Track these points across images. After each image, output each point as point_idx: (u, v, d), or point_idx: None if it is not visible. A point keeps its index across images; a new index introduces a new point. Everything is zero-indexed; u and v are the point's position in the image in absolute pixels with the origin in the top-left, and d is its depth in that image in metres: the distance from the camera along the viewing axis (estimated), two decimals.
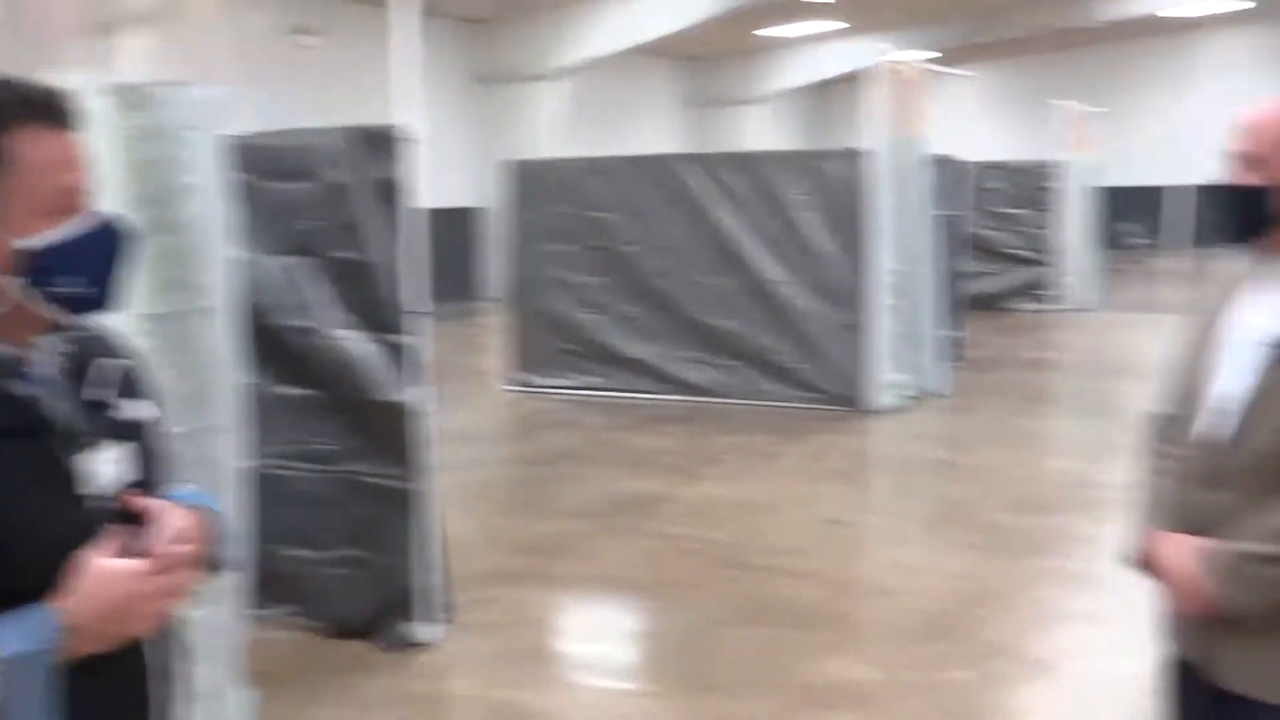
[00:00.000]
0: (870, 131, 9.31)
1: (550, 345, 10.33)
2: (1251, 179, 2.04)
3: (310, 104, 11.27)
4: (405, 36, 4.46)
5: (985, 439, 8.45)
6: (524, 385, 10.40)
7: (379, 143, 4.49)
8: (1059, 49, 28.42)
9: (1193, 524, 2.08)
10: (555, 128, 19.17)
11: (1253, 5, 24.45)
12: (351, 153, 4.54)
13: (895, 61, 9.86)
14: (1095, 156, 16.95)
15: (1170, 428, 2.21)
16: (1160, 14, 24.41)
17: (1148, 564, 2.18)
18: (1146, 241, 25.98)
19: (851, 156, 9.30)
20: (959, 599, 5.21)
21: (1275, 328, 2.00)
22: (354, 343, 4.60)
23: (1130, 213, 26.00)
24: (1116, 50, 28.93)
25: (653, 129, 24.89)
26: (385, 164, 4.48)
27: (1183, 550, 2.07)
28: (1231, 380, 2.05)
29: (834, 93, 29.57)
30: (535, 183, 10.35)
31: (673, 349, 9.92)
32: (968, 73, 12.56)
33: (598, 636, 5.10)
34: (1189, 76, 28.96)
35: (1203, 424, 2.09)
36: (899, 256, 9.50)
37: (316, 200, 4.60)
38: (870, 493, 7.63)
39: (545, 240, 10.26)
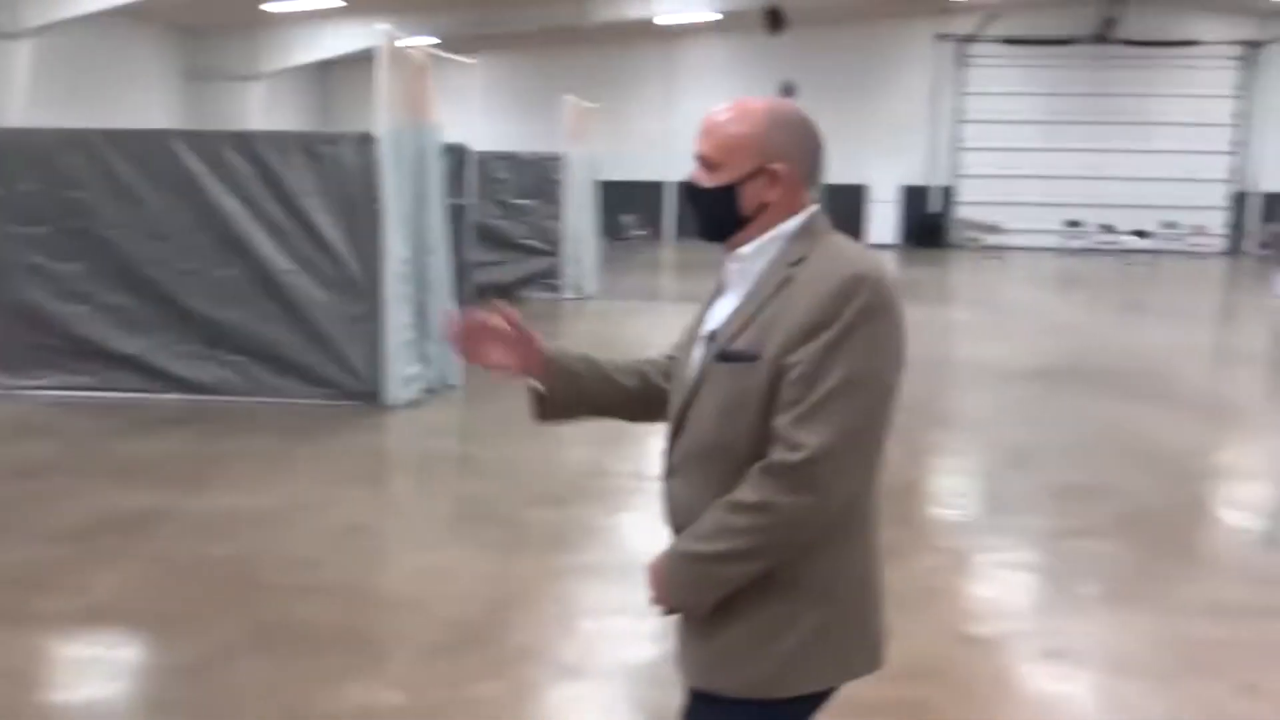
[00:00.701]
0: (379, 116, 8.98)
1: (23, 340, 9.13)
2: (711, 180, 2.11)
3: None
4: None
5: (503, 431, 8.43)
6: None
7: None
8: (562, 45, 29.40)
9: (669, 516, 2.17)
10: (22, 94, 17.11)
11: (720, 18, 26.58)
12: None
13: (402, 45, 9.59)
14: (596, 151, 17.63)
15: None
16: (650, 19, 25.84)
17: None
18: (644, 233, 27.52)
19: (360, 141, 8.94)
20: (485, 604, 5.07)
21: (717, 322, 2.11)
22: None
23: (630, 206, 27.48)
24: (616, 51, 30.40)
25: (143, 102, 23.01)
26: None
27: (660, 551, 2.13)
28: (687, 374, 2.15)
29: (340, 74, 28.83)
30: None
31: (169, 343, 9.09)
32: (471, 60, 12.45)
33: (86, 682, 4.44)
34: (677, 79, 31.01)
35: (667, 415, 2.20)
36: (410, 245, 9.28)
37: None
38: (390, 494, 7.35)
39: (12, 221, 9.05)
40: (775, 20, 24.21)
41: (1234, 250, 30.06)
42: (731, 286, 2.14)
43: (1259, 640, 4.82)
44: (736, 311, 2.08)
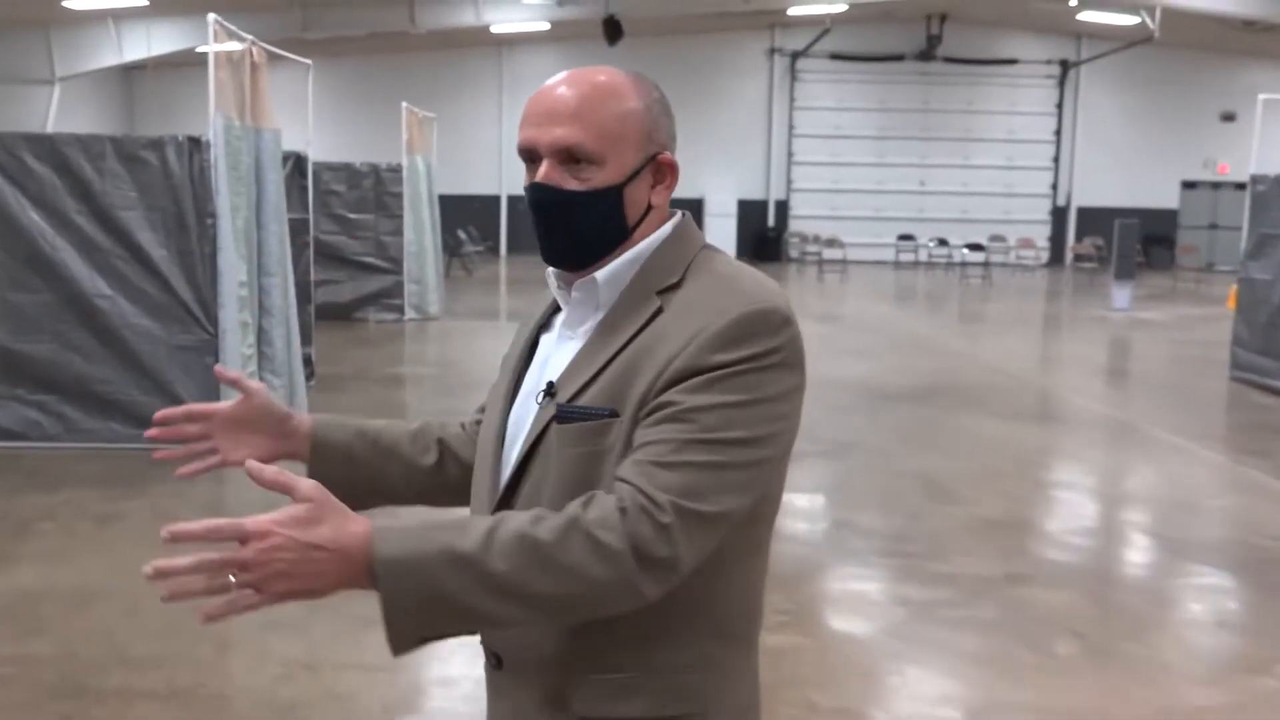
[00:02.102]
0: (212, 117, 7.87)
1: None
2: (583, 182, 1.54)
3: None
4: None
5: None
6: None
7: None
8: (393, 52, 28.19)
9: (492, 643, 1.65)
10: None
11: (548, 27, 25.96)
12: None
13: (236, 44, 8.50)
14: (433, 162, 16.62)
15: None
16: (479, 27, 25.02)
17: None
18: (482, 249, 26.50)
19: (187, 147, 7.82)
20: (379, 711, 4.13)
21: (554, 372, 1.59)
22: None
23: (467, 220, 26.42)
24: (450, 59, 29.33)
25: None
26: None
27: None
28: (509, 443, 1.63)
29: (146, 80, 26.92)
30: None
31: None
32: (307, 61, 11.38)
33: None
34: (512, 88, 30.13)
35: (487, 472, 1.64)
36: (248, 265, 8.19)
37: None
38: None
39: None
40: (614, 30, 23.61)
41: (1056, 263, 30.88)
42: (571, 323, 1.62)
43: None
44: (583, 355, 1.56)
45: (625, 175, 1.54)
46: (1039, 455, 8.65)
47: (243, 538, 1.29)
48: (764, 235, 30.31)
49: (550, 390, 1.56)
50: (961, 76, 30.63)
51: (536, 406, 1.58)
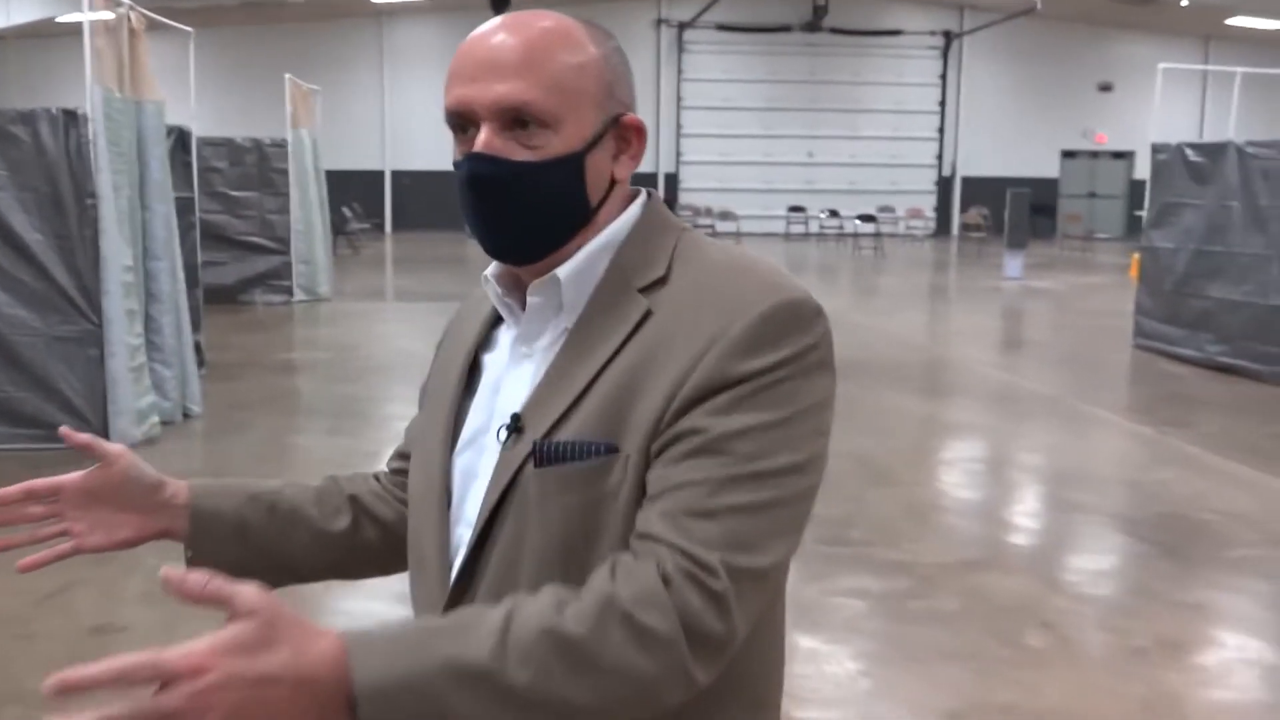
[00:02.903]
0: (89, 89, 7.24)
1: None
2: (537, 150, 1.20)
3: None
4: None
5: (258, 469, 6.94)
6: None
7: None
8: (270, 22, 27.13)
9: None
10: None
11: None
12: None
13: (114, 7, 7.85)
14: (317, 136, 15.93)
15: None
16: None
17: None
18: (367, 226, 25.71)
19: (64, 120, 7.18)
20: None
21: (516, 401, 1.25)
22: None
23: (351, 196, 25.59)
24: (328, 29, 28.35)
25: None
26: None
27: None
28: (469, 478, 1.28)
29: (10, 49, 25.44)
30: None
31: None
32: (187, 28, 10.68)
33: None
34: (393, 60, 29.30)
35: (432, 538, 1.29)
36: (132, 249, 7.59)
37: None
38: (141, 571, 5.75)
39: None
40: (501, 1, 23.03)
41: (943, 233, 31.23)
42: (528, 336, 1.27)
43: None
44: (553, 376, 1.23)
45: (586, 141, 1.21)
46: (967, 432, 8.52)
47: (166, 677, 0.90)
48: None
49: (516, 425, 1.22)
50: (848, 47, 30.73)
51: (498, 447, 1.23)
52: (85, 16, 7.41)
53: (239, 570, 1.17)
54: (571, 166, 1.20)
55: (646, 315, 1.21)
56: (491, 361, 1.32)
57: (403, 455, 1.51)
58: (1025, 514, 6.56)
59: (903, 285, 19.57)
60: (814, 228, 29.39)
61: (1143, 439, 8.30)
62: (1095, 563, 5.82)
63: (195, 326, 9.05)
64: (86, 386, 7.19)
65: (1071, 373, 11.05)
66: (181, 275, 8.41)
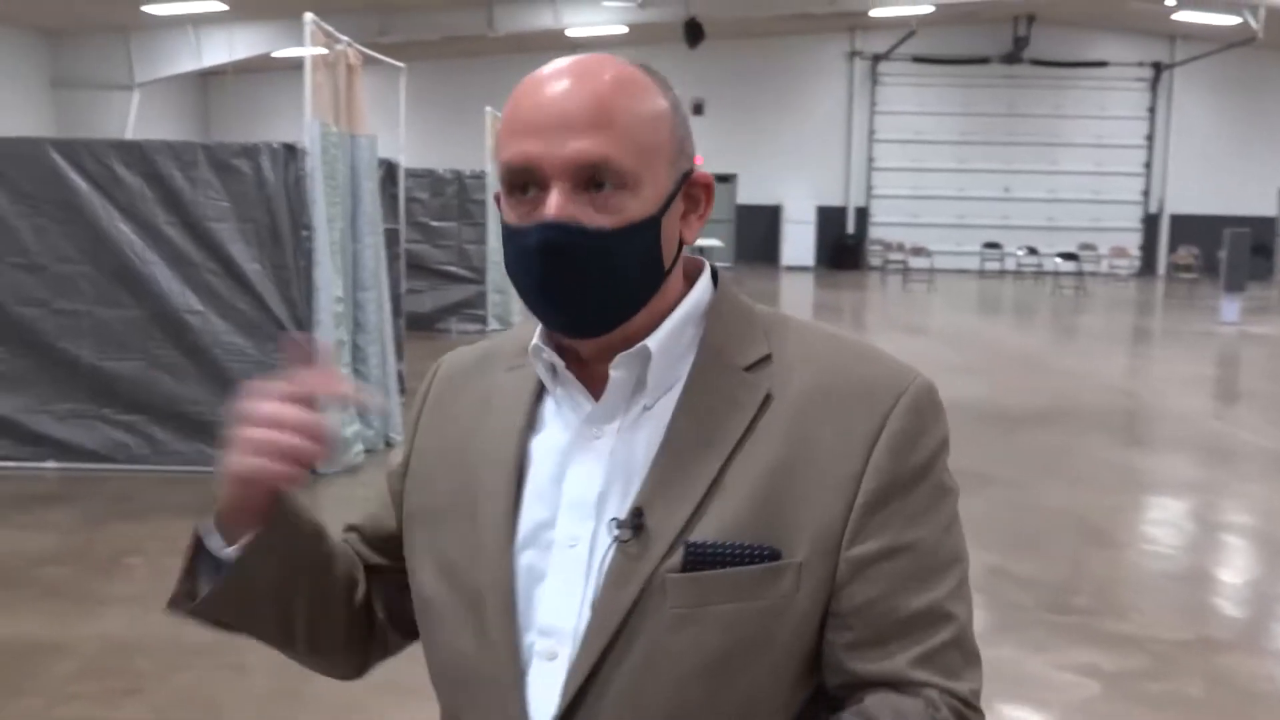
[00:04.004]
0: (307, 124, 7.44)
1: None
2: (613, 216, 1.07)
3: None
4: None
5: None
6: None
7: None
8: (472, 56, 27.92)
9: None
10: None
11: (626, 31, 25.59)
12: None
13: (332, 44, 8.07)
14: None
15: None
16: (559, 30, 24.69)
17: None
18: None
19: (283, 155, 7.38)
20: None
21: (587, 491, 1.11)
22: None
23: None
24: (526, 63, 28.87)
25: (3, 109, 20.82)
26: None
27: None
28: (542, 570, 1.12)
29: (223, 85, 26.82)
30: None
31: (46, 401, 7.41)
32: (399, 63, 10.95)
33: None
34: None
35: (502, 642, 1.11)
36: (343, 279, 7.75)
37: None
38: None
39: None
40: (695, 33, 23.08)
41: (1149, 272, 29.84)
42: (601, 416, 1.13)
43: None
44: (668, 466, 1.08)
45: (661, 203, 1.10)
46: (1190, 489, 7.96)
47: None
48: (843, 243, 29.55)
49: (637, 520, 1.06)
50: (1048, 79, 29.71)
51: (570, 544, 1.10)
52: (306, 51, 7.64)
53: (270, 583, 1.17)
54: (651, 232, 1.09)
55: (766, 400, 1.11)
56: (543, 445, 1.16)
57: (363, 539, 1.33)
58: (1266, 585, 6.04)
59: (1109, 327, 18.69)
60: (1010, 265, 28.44)
61: None
62: None
63: (399, 355, 9.22)
64: None
65: None
66: (388, 305, 8.57)
